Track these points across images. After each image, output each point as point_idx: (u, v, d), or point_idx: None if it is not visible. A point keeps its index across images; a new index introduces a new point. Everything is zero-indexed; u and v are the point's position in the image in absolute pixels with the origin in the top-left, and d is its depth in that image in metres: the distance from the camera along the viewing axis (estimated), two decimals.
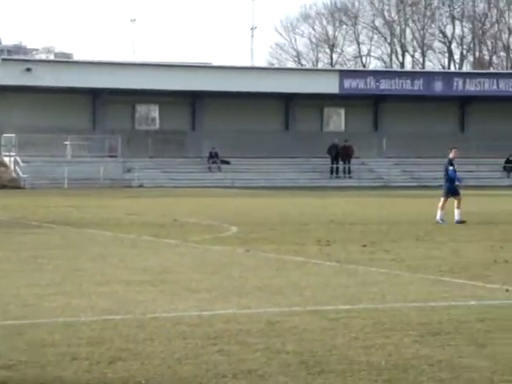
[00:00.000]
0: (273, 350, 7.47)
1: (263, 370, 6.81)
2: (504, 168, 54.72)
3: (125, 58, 75.45)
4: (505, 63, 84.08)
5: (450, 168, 22.93)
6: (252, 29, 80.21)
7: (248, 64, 72.53)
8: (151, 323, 8.62)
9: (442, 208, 22.38)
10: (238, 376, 6.63)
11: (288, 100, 54.84)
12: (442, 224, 21.69)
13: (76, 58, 61.56)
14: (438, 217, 22.20)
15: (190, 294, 10.48)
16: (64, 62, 53.77)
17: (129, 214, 25.44)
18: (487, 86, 55.19)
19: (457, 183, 23.08)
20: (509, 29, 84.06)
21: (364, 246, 16.23)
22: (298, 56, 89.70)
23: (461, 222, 21.83)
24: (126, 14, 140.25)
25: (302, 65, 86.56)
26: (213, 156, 52.10)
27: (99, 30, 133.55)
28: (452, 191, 22.72)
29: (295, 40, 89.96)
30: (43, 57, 73.95)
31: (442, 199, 22.59)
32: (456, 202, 22.33)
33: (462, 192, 23.04)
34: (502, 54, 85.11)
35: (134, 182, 48.97)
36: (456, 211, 22.09)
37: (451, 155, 23.26)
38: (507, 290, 10.77)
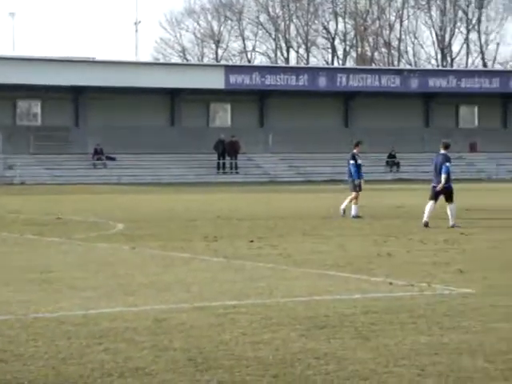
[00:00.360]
0: (160, 348, 7.41)
1: (150, 368, 6.74)
2: (387, 163, 55.92)
3: (4, 52, 73.72)
4: (386, 59, 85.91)
5: (351, 162, 23.12)
6: (136, 23, 79.56)
7: (133, 59, 71.93)
8: (34, 323, 8.43)
9: (356, 202, 22.42)
10: (124, 374, 6.55)
11: (174, 95, 54.66)
12: (356, 218, 21.66)
13: None
14: (353, 212, 22.12)
15: (75, 292, 10.30)
16: None
17: (10, 212, 24.87)
18: (370, 82, 56.27)
19: (356, 179, 22.91)
20: (389, 25, 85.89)
21: (251, 241, 16.29)
22: (184, 51, 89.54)
23: (357, 216, 22.00)
24: (5, 8, 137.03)
25: (187, 60, 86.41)
26: (98, 152, 51.48)
27: None
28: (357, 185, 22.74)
29: (180, 35, 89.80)
30: None
31: (353, 194, 22.64)
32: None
33: (347, 187, 23.30)
34: (384, 50, 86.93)
35: (16, 179, 47.92)
36: (353, 206, 22.29)
37: (355, 150, 23.41)
38: (390, 283, 10.98)
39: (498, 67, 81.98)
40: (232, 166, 53.23)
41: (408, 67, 76.71)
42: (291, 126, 55.95)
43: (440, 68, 77.29)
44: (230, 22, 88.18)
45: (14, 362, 6.94)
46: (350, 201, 22.54)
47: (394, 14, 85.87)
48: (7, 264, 13.07)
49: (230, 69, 56.56)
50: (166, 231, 18.71)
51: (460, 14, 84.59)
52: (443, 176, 19.61)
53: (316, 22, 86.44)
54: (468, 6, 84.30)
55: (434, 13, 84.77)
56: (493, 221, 20.66)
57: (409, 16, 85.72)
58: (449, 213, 19.61)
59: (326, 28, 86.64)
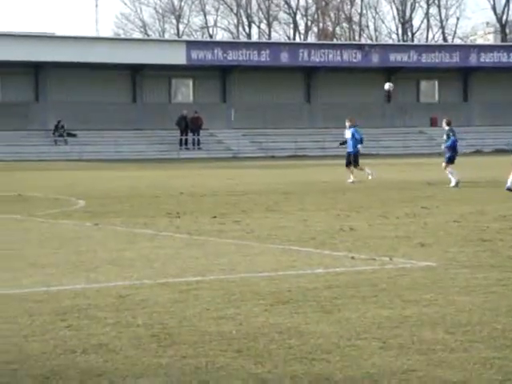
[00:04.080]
0: (123, 324, 7.40)
1: (114, 344, 6.73)
2: None
3: None
4: (347, 34, 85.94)
5: (454, 138, 24.49)
6: None
7: (93, 34, 71.27)
8: None
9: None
10: (87, 351, 6.54)
11: (135, 71, 54.29)
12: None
13: None
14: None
15: (36, 269, 10.25)
16: None
17: None
18: (331, 57, 56.29)
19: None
20: (350, 0, 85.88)
21: (214, 217, 16.29)
22: (144, 26, 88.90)
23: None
24: None
25: (148, 35, 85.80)
26: (58, 128, 51.05)
27: None
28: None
29: (141, 10, 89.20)
30: None
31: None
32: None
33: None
34: (345, 25, 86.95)
35: None
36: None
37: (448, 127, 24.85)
38: (353, 258, 11.05)
39: (457, 41, 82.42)
40: (194, 142, 53.09)
41: (369, 42, 76.83)
42: (253, 102, 55.86)
43: (401, 43, 77.49)
44: None
45: None
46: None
47: None
48: None
49: (192, 44, 56.25)
50: (128, 208, 18.64)
51: None
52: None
53: None
54: None
55: None
56: (454, 194, 20.82)
57: None
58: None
59: (287, 3, 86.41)
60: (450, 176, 24.05)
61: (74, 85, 52.55)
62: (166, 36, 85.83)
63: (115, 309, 8.01)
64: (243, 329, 7.22)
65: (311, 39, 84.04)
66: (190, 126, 52.71)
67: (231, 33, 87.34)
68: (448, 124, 25.50)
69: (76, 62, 50.72)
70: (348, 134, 27.01)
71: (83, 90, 52.64)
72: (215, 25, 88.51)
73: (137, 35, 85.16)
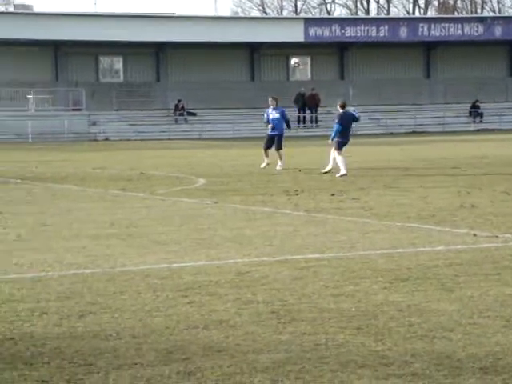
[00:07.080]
0: (243, 301, 7.49)
1: (234, 320, 6.82)
2: (470, 113, 54.99)
3: (86, 9, 74.42)
4: (469, 7, 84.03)
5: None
6: None
7: (212, 13, 71.90)
8: (121, 277, 8.60)
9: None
10: (209, 327, 6.65)
11: (253, 49, 54.55)
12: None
13: (36, 9, 60.61)
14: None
15: (159, 246, 10.46)
16: (24, 13, 52.91)
17: (95, 167, 25.30)
18: (452, 31, 55.21)
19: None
20: None
21: (332, 194, 16.27)
22: (263, 4, 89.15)
23: None
24: None
25: (266, 13, 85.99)
26: (179, 108, 51.82)
27: None
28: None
29: None
30: (2, 9, 72.77)
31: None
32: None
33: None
34: None
35: (100, 135, 48.68)
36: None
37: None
38: (474, 235, 10.86)
39: None
40: (312, 120, 53.03)
41: (492, 15, 74.92)
42: (372, 78, 55.36)
43: None
44: None
45: (102, 313, 7.11)
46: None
47: None
48: (93, 219, 13.32)
49: (310, 21, 56.10)
50: (247, 185, 18.81)
51: None
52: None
53: None
54: None
55: None
56: None
57: None
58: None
59: None
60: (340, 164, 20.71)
61: (193, 64, 53.22)
62: (284, 13, 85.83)
63: (235, 285, 8.12)
64: (362, 306, 7.20)
65: (431, 13, 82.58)
66: (307, 103, 52.66)
67: (349, 9, 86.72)
68: (342, 107, 22.38)
69: (195, 41, 51.32)
70: (275, 114, 23.98)
71: (202, 70, 53.25)
72: (333, 1, 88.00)
73: (255, 13, 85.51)
